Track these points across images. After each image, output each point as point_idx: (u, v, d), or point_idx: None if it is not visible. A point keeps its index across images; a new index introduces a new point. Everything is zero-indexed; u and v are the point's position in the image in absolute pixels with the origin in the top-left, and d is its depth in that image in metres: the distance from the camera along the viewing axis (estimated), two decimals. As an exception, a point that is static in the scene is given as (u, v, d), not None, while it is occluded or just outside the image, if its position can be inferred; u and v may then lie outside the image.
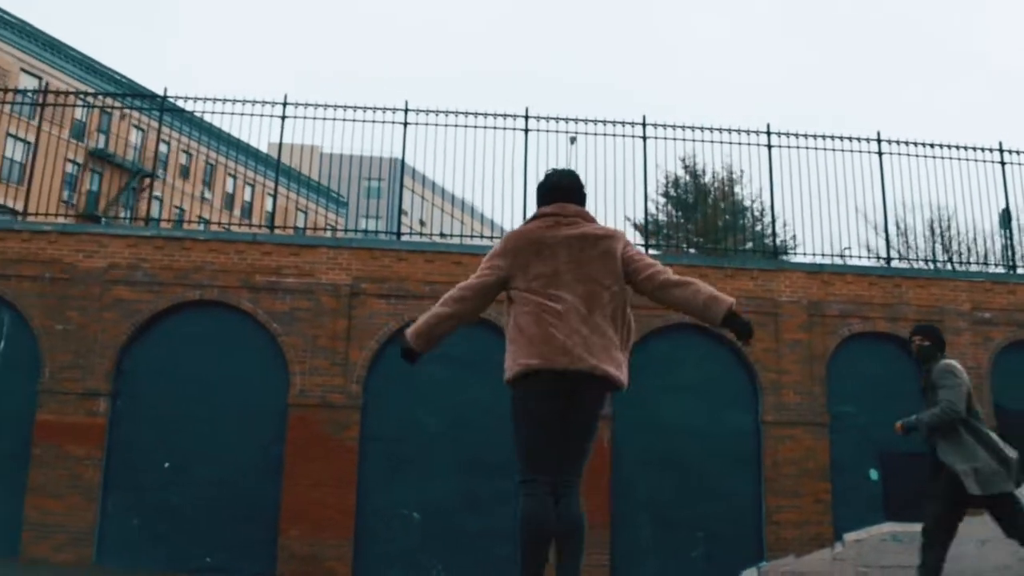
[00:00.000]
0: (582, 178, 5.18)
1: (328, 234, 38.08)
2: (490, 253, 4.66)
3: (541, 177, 5.00)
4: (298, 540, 13.02)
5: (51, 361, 13.51)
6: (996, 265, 24.13)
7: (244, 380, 13.70)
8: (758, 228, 29.17)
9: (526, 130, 14.85)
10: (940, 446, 7.44)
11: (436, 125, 14.81)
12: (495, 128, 14.71)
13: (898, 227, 29.05)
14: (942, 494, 7.47)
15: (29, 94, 28.55)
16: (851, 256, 15.43)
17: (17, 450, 13.24)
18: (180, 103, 15.39)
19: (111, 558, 13.01)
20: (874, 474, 13.89)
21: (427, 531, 13.34)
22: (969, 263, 24.06)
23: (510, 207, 14.68)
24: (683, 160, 31.55)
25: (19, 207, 29.64)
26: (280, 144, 15.00)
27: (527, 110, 14.90)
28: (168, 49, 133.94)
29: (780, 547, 13.37)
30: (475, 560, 13.03)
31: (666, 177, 32.23)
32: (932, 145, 15.26)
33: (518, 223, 15.39)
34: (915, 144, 15.24)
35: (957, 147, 15.34)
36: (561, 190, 4.83)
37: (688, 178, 32.72)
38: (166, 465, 13.36)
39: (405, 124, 14.90)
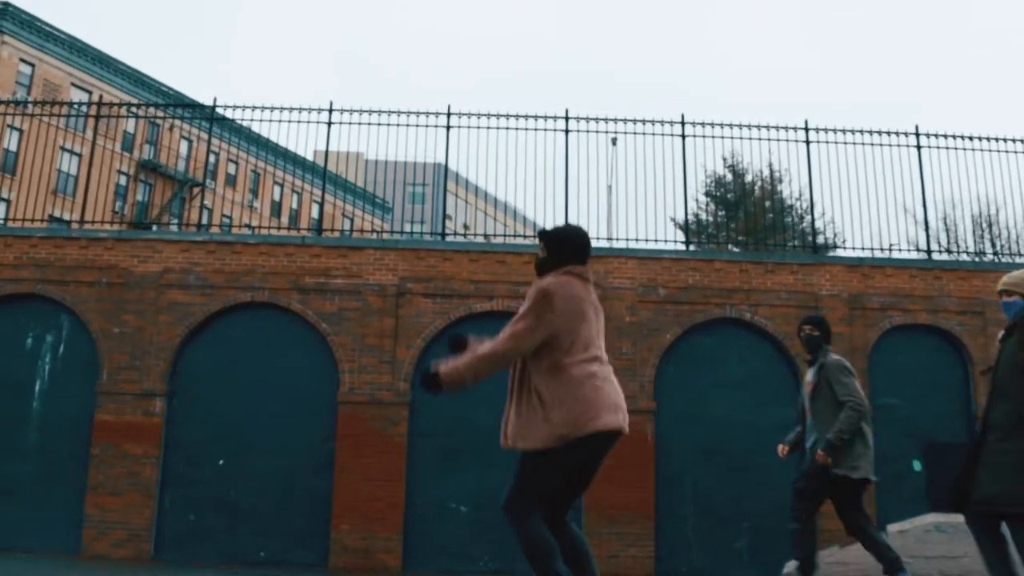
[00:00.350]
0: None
1: (374, 236, 38.41)
2: (540, 305, 4.57)
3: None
4: (350, 533, 13.28)
5: (109, 363, 13.89)
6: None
7: (295, 379, 13.99)
8: (803, 226, 29.11)
9: (566, 131, 15.00)
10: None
11: (478, 128, 14.93)
12: (535, 130, 14.86)
13: (943, 223, 28.96)
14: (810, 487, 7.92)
15: (83, 106, 29.09)
16: (898, 250, 15.33)
17: (77, 450, 13.65)
18: (228, 112, 15.68)
19: (169, 553, 13.36)
20: (917, 465, 13.90)
21: (475, 523, 13.52)
22: (1015, 255, 23.86)
23: (551, 207, 14.82)
24: (725, 159, 31.66)
25: (74, 218, 30.27)
26: (327, 150, 15.25)
27: (567, 111, 15.07)
28: (214, 62, 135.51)
29: (824, 538, 13.30)
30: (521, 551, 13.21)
31: (706, 175, 32.31)
32: (971, 138, 15.17)
33: (560, 223, 15.61)
34: (954, 137, 15.17)
35: (996, 139, 15.25)
36: (588, 248, 4.89)
37: (730, 176, 32.75)
38: (221, 462, 13.69)
39: (448, 127, 15.06)
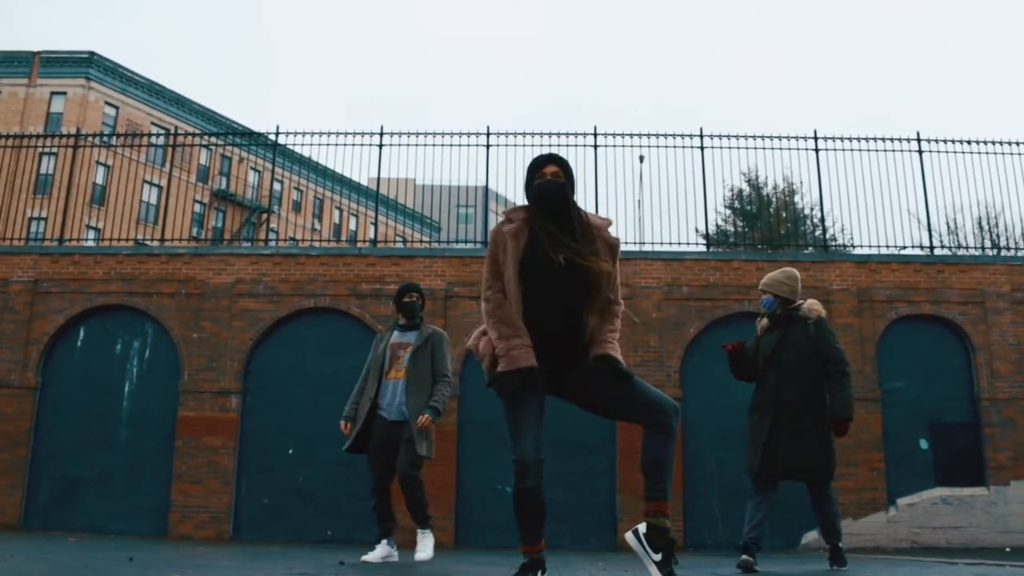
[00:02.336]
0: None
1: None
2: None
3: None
4: (407, 513, 13.40)
5: (189, 365, 14.20)
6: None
7: (355, 375, 14.06)
8: (817, 233, 29.05)
9: (595, 146, 15.08)
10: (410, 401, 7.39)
11: (515, 146, 15.00)
12: (567, 146, 14.94)
13: (948, 226, 28.66)
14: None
15: (158, 136, 29.69)
16: (903, 249, 15.24)
17: (162, 443, 13.96)
18: (290, 138, 15.74)
19: (246, 533, 13.62)
20: (924, 443, 13.82)
21: (519, 503, 13.64)
22: (1016, 249, 23.63)
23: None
24: (743, 173, 31.74)
25: (155, 239, 30.93)
26: (379, 171, 15.33)
27: (595, 128, 15.09)
28: (271, 104, 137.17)
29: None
30: (567, 527, 13.35)
31: (726, 189, 32.44)
32: (969, 142, 15.04)
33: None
34: (953, 141, 15.04)
35: (993, 142, 15.10)
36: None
37: (749, 190, 32.78)
38: (290, 451, 13.92)
39: (488, 146, 15.15)
